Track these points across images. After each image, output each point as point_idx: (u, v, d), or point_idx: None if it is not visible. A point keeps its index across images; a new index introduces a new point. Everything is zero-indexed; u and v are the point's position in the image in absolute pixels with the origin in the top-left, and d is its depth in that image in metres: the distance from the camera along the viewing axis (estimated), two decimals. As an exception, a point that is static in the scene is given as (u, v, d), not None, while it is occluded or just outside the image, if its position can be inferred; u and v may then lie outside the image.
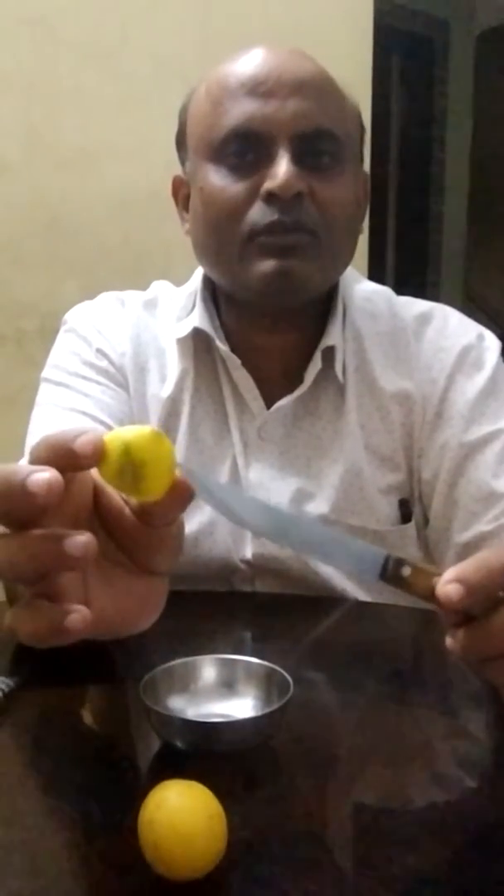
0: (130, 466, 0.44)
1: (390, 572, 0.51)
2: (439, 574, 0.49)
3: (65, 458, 0.43)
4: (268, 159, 0.81)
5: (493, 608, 0.48)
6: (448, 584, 0.47)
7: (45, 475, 0.42)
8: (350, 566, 0.52)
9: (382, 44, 2.40)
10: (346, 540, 0.53)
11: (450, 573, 0.48)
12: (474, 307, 4.24)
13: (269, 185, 0.81)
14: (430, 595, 0.49)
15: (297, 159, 0.81)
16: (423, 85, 4.83)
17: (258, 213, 0.82)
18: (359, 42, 2.18)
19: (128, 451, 0.44)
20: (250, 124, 0.81)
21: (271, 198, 0.81)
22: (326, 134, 0.83)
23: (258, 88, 0.82)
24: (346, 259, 0.90)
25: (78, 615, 0.44)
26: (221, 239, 0.84)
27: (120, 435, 0.44)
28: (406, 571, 0.51)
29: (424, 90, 4.84)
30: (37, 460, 0.44)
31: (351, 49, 2.14)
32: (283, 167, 0.80)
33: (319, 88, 0.83)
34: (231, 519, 0.50)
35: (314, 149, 0.82)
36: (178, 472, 0.46)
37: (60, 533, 0.43)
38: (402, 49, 4.73)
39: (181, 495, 0.46)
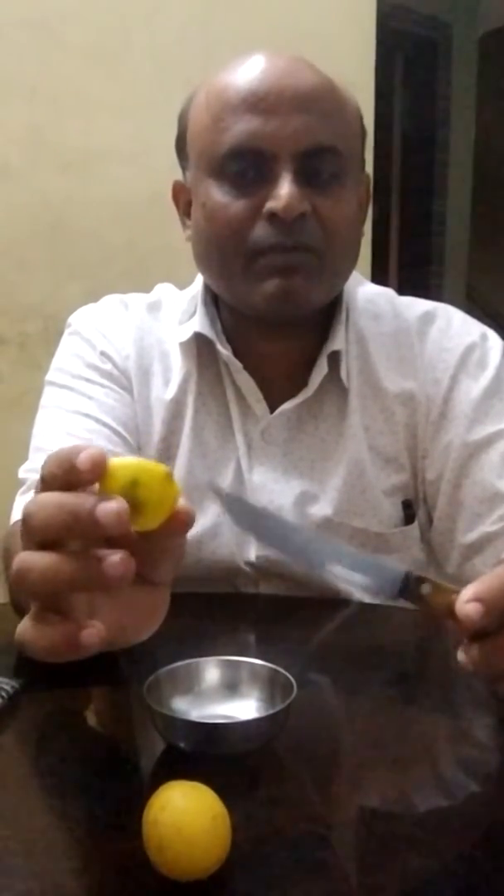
0: (133, 500, 0.44)
1: (410, 590, 0.51)
2: (457, 591, 0.49)
3: (69, 472, 0.44)
4: (270, 177, 0.81)
5: None
6: (468, 603, 0.47)
7: (113, 505, 0.44)
8: (369, 583, 0.52)
9: (385, 45, 2.40)
10: (365, 557, 0.53)
11: (468, 592, 0.48)
12: (477, 308, 4.24)
13: (271, 205, 0.80)
14: (449, 613, 0.49)
15: (299, 177, 0.81)
16: (425, 86, 4.84)
17: (261, 233, 0.81)
18: (362, 44, 2.18)
19: (134, 485, 0.44)
20: (252, 142, 0.81)
21: (274, 218, 0.80)
22: (328, 150, 0.82)
23: (259, 104, 0.80)
24: (349, 270, 0.90)
25: (93, 630, 0.45)
26: (224, 256, 0.84)
27: (131, 466, 0.45)
28: (426, 589, 0.51)
29: (427, 92, 4.84)
30: (47, 474, 0.45)
31: (354, 51, 2.14)
32: (285, 188, 0.79)
33: (321, 102, 0.82)
34: (241, 527, 0.51)
35: (316, 165, 0.82)
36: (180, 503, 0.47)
37: (103, 554, 0.44)
38: (404, 51, 4.73)
39: (177, 529, 0.47)
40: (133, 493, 0.44)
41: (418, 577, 0.51)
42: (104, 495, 0.44)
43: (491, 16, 4.78)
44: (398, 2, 4.11)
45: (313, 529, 0.89)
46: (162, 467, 0.46)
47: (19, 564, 0.47)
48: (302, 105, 0.81)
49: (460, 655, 0.50)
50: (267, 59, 0.83)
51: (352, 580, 0.52)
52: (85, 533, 0.45)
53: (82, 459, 0.44)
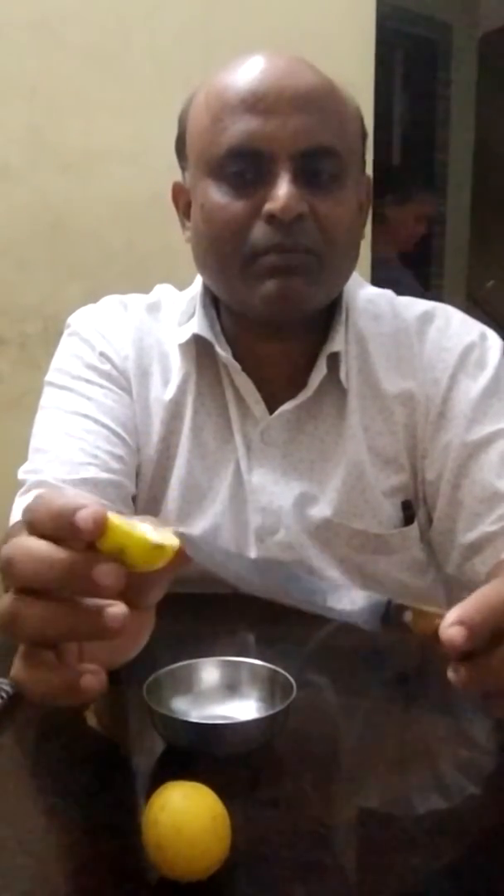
0: (121, 560, 0.44)
1: (392, 619, 0.51)
2: (441, 615, 0.49)
3: (64, 529, 0.43)
4: (268, 178, 0.81)
5: (495, 644, 0.48)
6: (451, 626, 0.47)
7: (112, 568, 0.44)
8: (352, 616, 0.52)
9: (385, 46, 2.40)
10: (345, 591, 0.54)
11: (452, 615, 0.47)
12: (476, 308, 4.24)
13: (270, 206, 0.80)
14: (433, 636, 0.49)
15: (298, 178, 0.80)
16: (425, 87, 4.83)
17: (259, 234, 0.81)
18: (361, 44, 2.18)
19: (121, 552, 0.44)
20: (250, 143, 0.80)
21: (272, 219, 0.80)
22: (328, 151, 0.82)
23: (258, 105, 0.80)
24: (348, 271, 0.90)
25: (93, 677, 0.45)
26: (223, 257, 0.84)
27: (120, 532, 0.44)
28: (407, 616, 0.51)
29: (427, 92, 4.84)
30: (37, 522, 0.44)
31: (353, 51, 2.14)
32: (283, 189, 0.79)
33: (321, 103, 0.82)
34: (228, 579, 0.51)
35: (315, 166, 0.81)
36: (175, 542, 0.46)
37: (101, 605, 0.44)
38: (404, 51, 4.73)
39: (166, 572, 0.47)
40: (121, 557, 0.44)
41: (399, 605, 0.51)
42: (98, 555, 0.44)
43: (491, 16, 4.78)
44: (398, 2, 4.11)
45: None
46: (148, 540, 0.45)
47: (11, 609, 0.45)
48: (301, 105, 0.80)
49: (450, 674, 0.50)
50: (266, 60, 0.83)
51: (334, 614, 0.52)
52: (81, 591, 0.44)
53: (84, 518, 0.43)
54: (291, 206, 0.79)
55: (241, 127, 0.81)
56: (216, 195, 0.83)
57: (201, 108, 0.85)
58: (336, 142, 0.82)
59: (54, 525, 0.44)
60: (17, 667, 0.46)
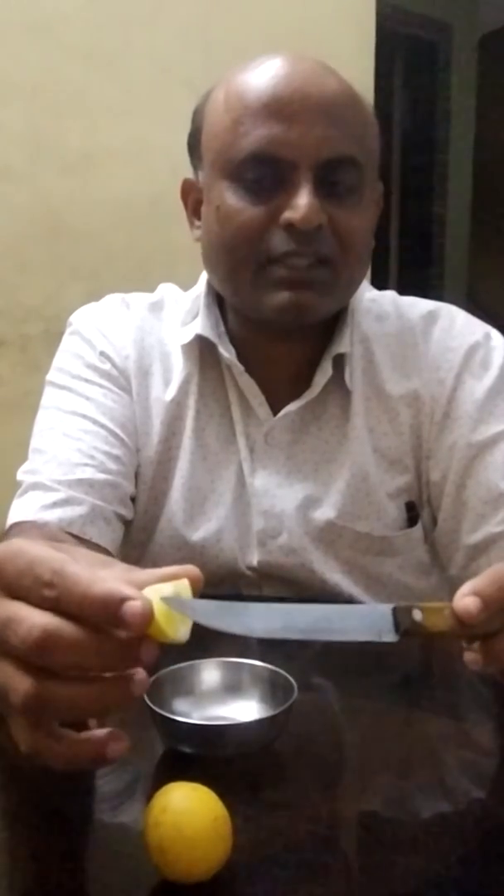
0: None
1: (403, 622, 0.51)
2: (448, 605, 0.49)
3: (114, 621, 0.42)
4: (289, 185, 0.79)
5: None
6: (465, 597, 0.48)
7: (144, 675, 0.44)
8: (365, 634, 0.52)
9: (385, 47, 2.40)
10: (350, 610, 0.54)
11: (465, 588, 0.48)
12: (477, 310, 4.24)
13: (289, 215, 0.79)
14: (449, 626, 0.49)
15: (318, 187, 0.79)
16: (425, 88, 4.84)
17: (276, 241, 0.80)
18: (361, 46, 2.18)
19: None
20: (272, 149, 0.79)
21: (291, 228, 0.79)
22: (349, 161, 0.81)
23: (282, 110, 0.79)
24: (360, 280, 0.89)
25: (118, 743, 0.45)
26: (236, 262, 0.83)
27: (156, 631, 0.43)
28: (417, 615, 0.51)
29: (427, 93, 4.84)
30: (79, 608, 0.42)
31: (353, 53, 2.14)
32: (304, 198, 0.78)
33: (344, 111, 0.80)
34: (234, 631, 0.51)
35: (336, 176, 0.80)
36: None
37: (129, 675, 0.44)
38: (404, 52, 4.74)
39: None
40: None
41: (405, 607, 0.51)
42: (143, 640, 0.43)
43: (491, 17, 4.79)
44: (398, 3, 4.11)
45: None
46: (171, 636, 0.44)
47: (37, 692, 0.43)
48: (325, 114, 0.79)
49: (467, 656, 0.50)
50: (290, 64, 0.81)
51: (346, 636, 0.52)
52: (120, 669, 0.44)
53: (134, 614, 0.41)
54: (312, 217, 0.78)
55: (263, 132, 0.79)
56: (232, 199, 0.82)
57: (220, 107, 0.83)
58: (357, 151, 0.81)
59: (95, 613, 0.42)
60: (30, 741, 0.44)
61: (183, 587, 0.46)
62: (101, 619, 0.42)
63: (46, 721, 0.45)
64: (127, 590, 0.42)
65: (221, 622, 0.48)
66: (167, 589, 0.45)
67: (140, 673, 0.44)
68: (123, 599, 0.42)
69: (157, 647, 0.44)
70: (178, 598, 0.45)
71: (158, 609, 0.43)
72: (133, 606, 0.41)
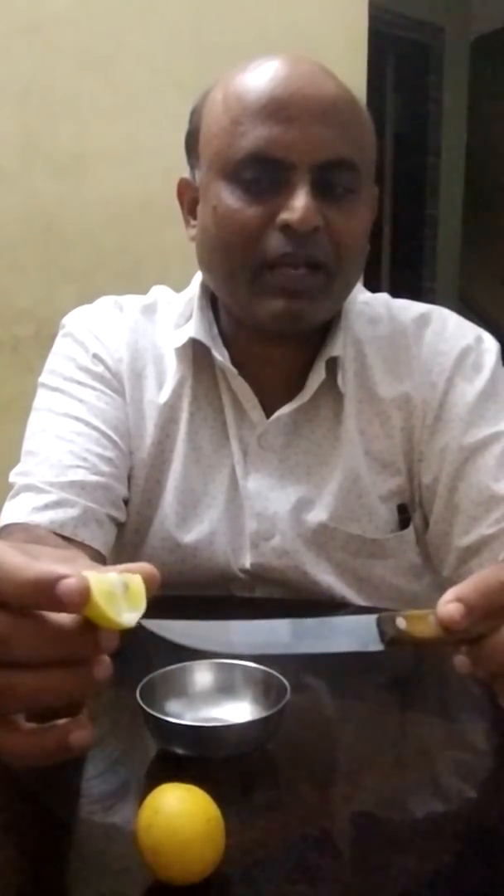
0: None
1: (388, 631, 0.51)
2: (432, 611, 0.49)
3: (47, 601, 0.40)
4: (285, 186, 0.80)
5: (497, 625, 0.48)
6: (448, 603, 0.48)
7: (107, 661, 0.43)
8: (350, 646, 0.52)
9: (377, 49, 2.41)
10: (334, 622, 0.54)
11: (448, 594, 0.48)
12: (469, 312, 4.25)
13: (286, 216, 0.79)
14: (434, 633, 0.49)
15: (315, 189, 0.79)
16: (417, 91, 4.86)
17: (272, 243, 0.80)
18: (354, 48, 2.19)
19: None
20: (270, 150, 0.79)
21: (287, 229, 0.79)
22: (346, 163, 0.81)
23: (281, 112, 0.79)
24: (355, 283, 0.89)
25: (83, 731, 0.43)
26: (232, 263, 0.83)
27: (97, 615, 0.41)
28: (402, 623, 0.51)
29: (419, 96, 4.86)
30: (17, 595, 0.41)
31: (346, 55, 2.15)
32: (301, 200, 0.78)
33: (342, 114, 0.81)
34: (220, 650, 0.50)
35: (332, 179, 0.81)
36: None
37: (90, 660, 0.42)
38: (396, 55, 4.75)
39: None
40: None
41: (389, 615, 0.51)
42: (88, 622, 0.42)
43: (482, 20, 4.81)
44: (390, 6, 4.12)
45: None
46: (119, 623, 0.42)
47: None
48: (324, 116, 0.79)
49: (457, 660, 0.50)
50: (288, 65, 0.81)
51: (332, 646, 0.52)
52: (80, 658, 0.43)
53: (69, 591, 0.40)
54: (308, 219, 0.78)
55: (261, 133, 0.79)
56: (230, 199, 0.82)
57: (218, 107, 0.83)
58: (355, 154, 0.82)
59: (36, 597, 0.40)
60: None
61: (135, 582, 0.44)
62: (40, 601, 0.40)
63: (10, 713, 0.43)
64: (61, 569, 0.41)
65: (202, 642, 0.48)
66: (112, 576, 0.43)
67: (103, 659, 0.43)
68: (58, 578, 0.40)
69: (115, 634, 0.42)
70: (159, 621, 0.43)
71: (98, 589, 0.41)
72: (67, 584, 0.40)
